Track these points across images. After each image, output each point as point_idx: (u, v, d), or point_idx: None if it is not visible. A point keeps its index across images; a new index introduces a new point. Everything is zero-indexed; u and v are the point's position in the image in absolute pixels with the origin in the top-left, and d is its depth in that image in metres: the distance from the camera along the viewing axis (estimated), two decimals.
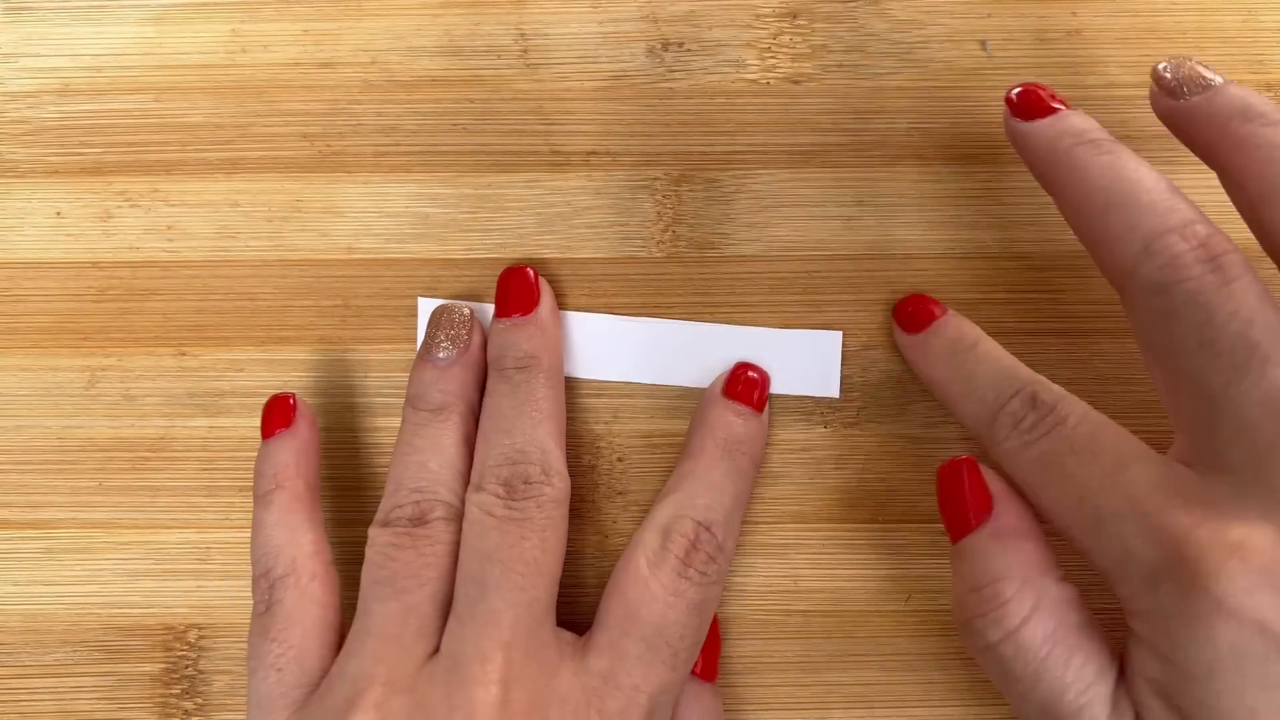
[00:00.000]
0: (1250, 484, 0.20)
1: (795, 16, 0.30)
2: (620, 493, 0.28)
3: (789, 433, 0.29)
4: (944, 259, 0.29)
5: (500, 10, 0.30)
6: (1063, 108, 0.24)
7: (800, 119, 0.29)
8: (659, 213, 0.29)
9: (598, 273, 0.29)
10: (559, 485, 0.26)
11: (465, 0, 0.30)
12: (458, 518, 0.26)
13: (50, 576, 0.29)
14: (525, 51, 0.29)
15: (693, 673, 0.26)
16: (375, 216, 0.29)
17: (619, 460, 0.29)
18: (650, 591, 0.25)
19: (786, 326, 0.29)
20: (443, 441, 0.26)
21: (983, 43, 0.29)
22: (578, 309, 0.29)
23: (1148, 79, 0.29)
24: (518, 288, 0.28)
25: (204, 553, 0.29)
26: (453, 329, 0.28)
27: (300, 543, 0.26)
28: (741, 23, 0.29)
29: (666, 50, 0.29)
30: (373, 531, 0.26)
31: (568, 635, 0.26)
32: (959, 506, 0.24)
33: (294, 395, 0.28)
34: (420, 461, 0.26)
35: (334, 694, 0.24)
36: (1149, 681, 0.21)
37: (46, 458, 0.29)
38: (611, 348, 0.28)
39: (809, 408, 0.29)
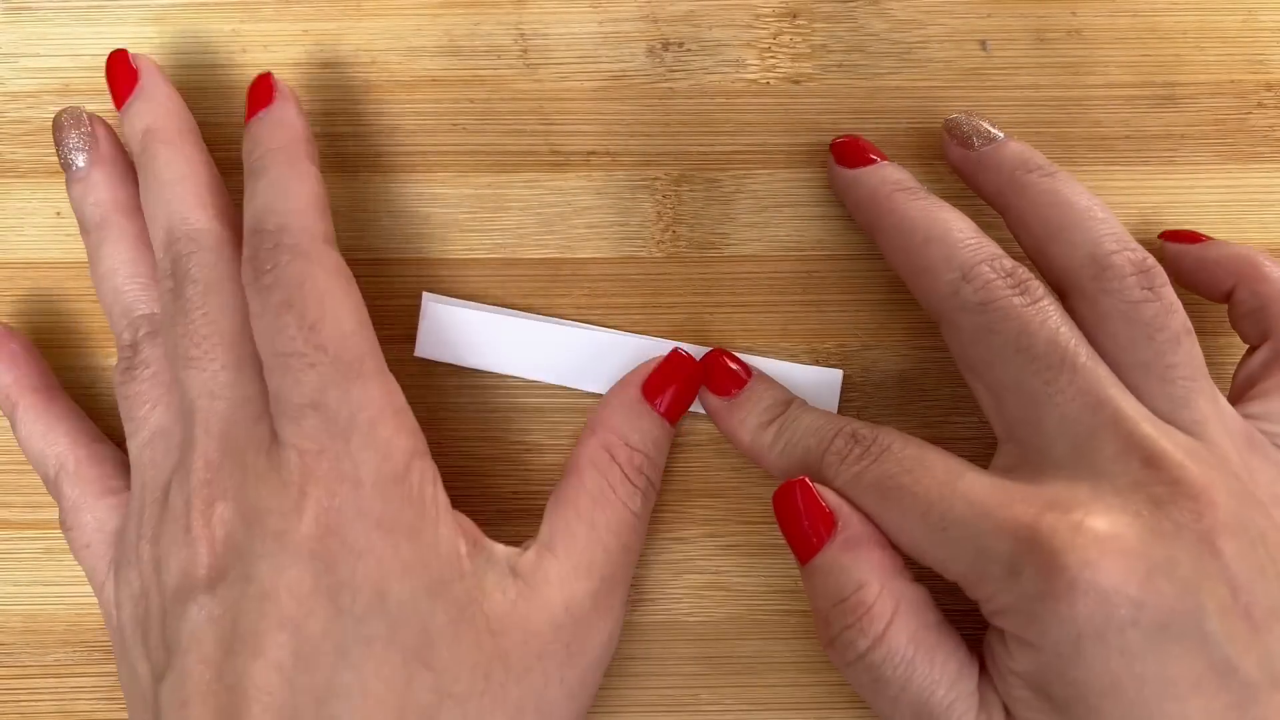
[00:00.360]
0: (1077, 471, 0.22)
1: (795, 16, 0.30)
2: None
3: None
4: None
5: (500, 10, 0.30)
6: (879, 159, 0.27)
7: (800, 119, 0.29)
8: (659, 213, 0.29)
9: (598, 273, 0.29)
10: (206, 243, 0.25)
11: (465, 0, 0.30)
12: None
13: (50, 577, 0.29)
14: (525, 51, 0.30)
15: (650, 402, 0.27)
16: (375, 216, 0.29)
17: None
18: None
19: (786, 326, 0.29)
20: (121, 255, 0.27)
21: (983, 43, 0.29)
22: (577, 309, 0.29)
23: (1148, 79, 0.29)
24: (117, 71, 0.27)
25: None
26: (78, 129, 0.27)
27: (56, 440, 0.27)
28: (741, 23, 0.30)
29: (666, 50, 0.29)
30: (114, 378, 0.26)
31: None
32: (801, 526, 0.24)
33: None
34: (114, 286, 0.26)
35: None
36: (1018, 675, 0.22)
37: None
38: (595, 361, 0.28)
39: None
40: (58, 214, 0.29)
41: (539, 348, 0.28)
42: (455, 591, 0.23)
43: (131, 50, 0.28)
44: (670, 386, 0.27)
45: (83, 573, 0.27)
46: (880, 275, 0.29)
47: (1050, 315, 0.24)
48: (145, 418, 0.25)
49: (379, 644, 0.22)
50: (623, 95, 0.29)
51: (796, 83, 0.29)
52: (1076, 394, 0.23)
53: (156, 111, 0.27)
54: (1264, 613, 0.21)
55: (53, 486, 0.27)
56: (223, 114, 0.30)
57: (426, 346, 0.29)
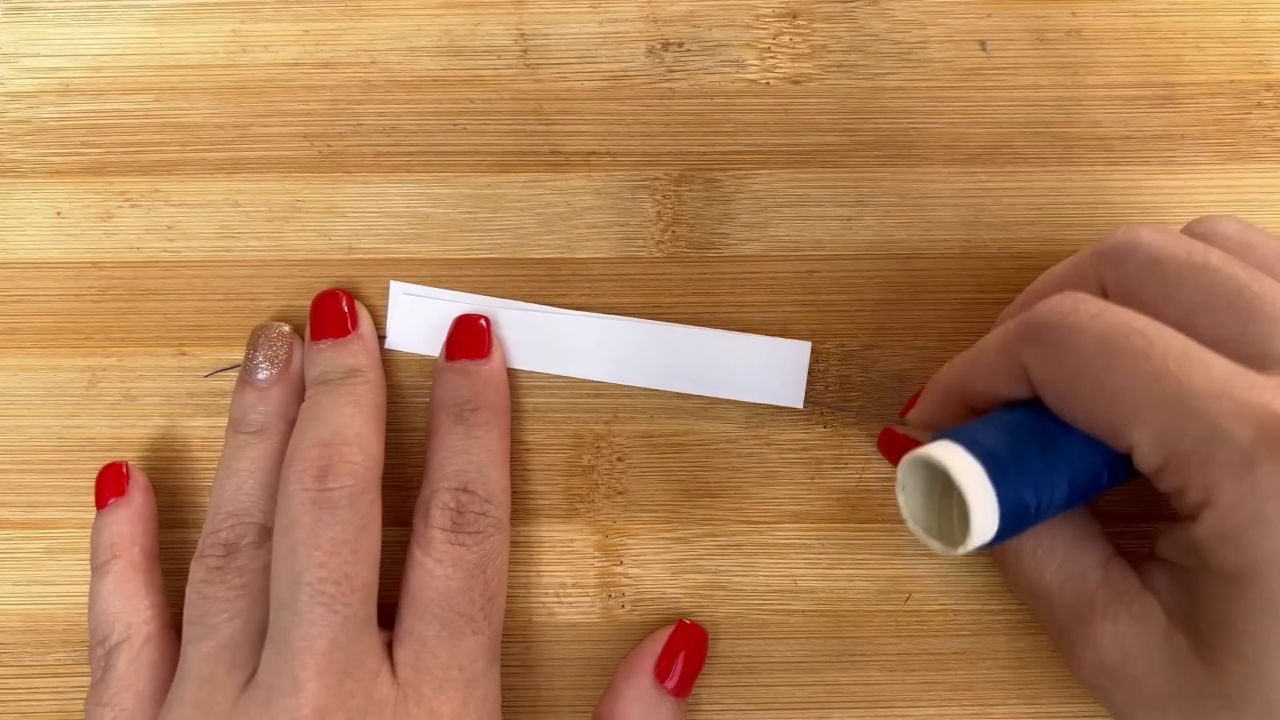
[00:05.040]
0: None
1: (795, 17, 0.30)
2: (620, 492, 0.29)
3: (789, 433, 0.29)
4: (943, 259, 0.29)
5: (500, 10, 0.30)
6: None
7: (800, 119, 0.29)
8: (659, 213, 0.29)
9: (598, 273, 0.29)
10: (367, 471, 0.25)
11: (465, 0, 0.30)
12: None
13: (51, 576, 0.29)
14: (525, 52, 0.30)
15: (663, 686, 0.27)
16: (376, 217, 0.29)
17: (619, 460, 0.29)
18: (427, 570, 0.25)
19: (786, 326, 0.29)
20: (260, 463, 0.27)
21: (982, 43, 0.29)
22: (577, 309, 0.29)
23: (1148, 79, 0.29)
24: (331, 312, 0.28)
25: None
26: (271, 348, 0.28)
27: (136, 609, 0.26)
28: (741, 23, 0.30)
29: (666, 50, 0.29)
30: (190, 568, 0.26)
31: (388, 636, 0.26)
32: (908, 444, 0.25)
33: (126, 464, 0.28)
34: (237, 484, 0.26)
35: None
36: (1192, 589, 0.21)
37: (47, 457, 0.29)
38: (574, 342, 0.28)
39: (808, 408, 0.29)
40: (58, 214, 0.29)
41: (510, 329, 0.28)
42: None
43: (339, 295, 0.28)
44: (678, 662, 0.27)
45: (83, 572, 0.27)
46: (880, 275, 0.29)
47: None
48: (219, 626, 0.25)
49: None
50: (623, 95, 0.29)
51: (796, 83, 0.29)
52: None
53: (373, 362, 0.28)
54: None
55: (104, 651, 0.26)
56: (222, 114, 0.30)
57: (397, 337, 0.29)
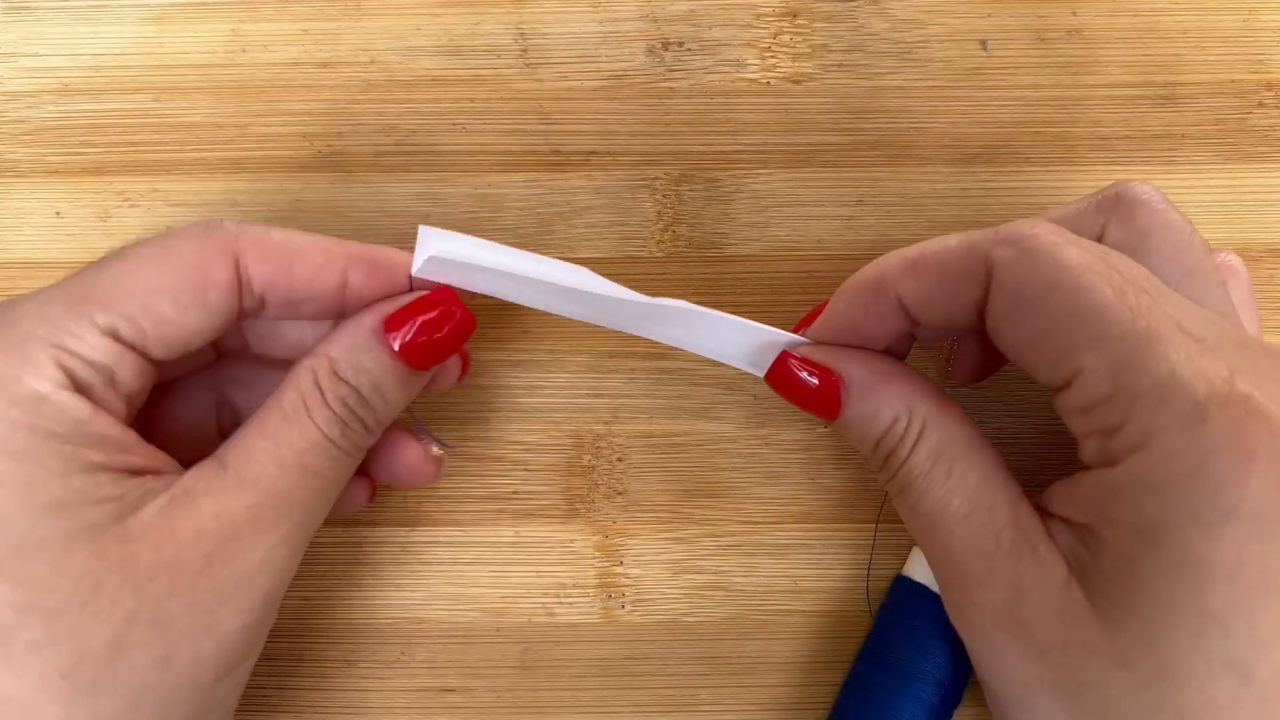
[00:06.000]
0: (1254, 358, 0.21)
1: (795, 16, 0.30)
2: (620, 493, 0.28)
3: (789, 433, 0.29)
4: None
5: (500, 10, 0.29)
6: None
7: (800, 119, 0.29)
8: (659, 212, 0.29)
9: (598, 272, 0.29)
10: None
11: (465, 0, 0.30)
12: None
13: None
14: (525, 51, 0.29)
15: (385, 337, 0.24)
16: (375, 216, 0.29)
17: (619, 460, 0.29)
18: None
19: (786, 326, 0.29)
20: None
21: (983, 42, 0.29)
22: None
23: (1148, 78, 0.29)
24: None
25: None
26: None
27: None
28: (742, 22, 0.29)
29: (666, 50, 0.29)
30: None
31: None
32: (812, 396, 0.24)
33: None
34: None
35: None
36: (1115, 524, 0.20)
37: None
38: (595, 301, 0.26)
39: None
40: (57, 214, 0.29)
41: (541, 275, 0.25)
42: (86, 511, 0.21)
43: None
44: (414, 324, 0.24)
45: None
46: None
47: None
48: None
49: None
50: (623, 95, 0.29)
51: (797, 82, 0.29)
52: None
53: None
54: None
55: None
56: (221, 114, 0.29)
57: (427, 266, 0.24)
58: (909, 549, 0.28)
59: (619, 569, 0.28)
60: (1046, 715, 0.21)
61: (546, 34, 0.29)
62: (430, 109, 0.29)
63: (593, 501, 0.29)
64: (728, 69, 0.29)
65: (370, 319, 0.24)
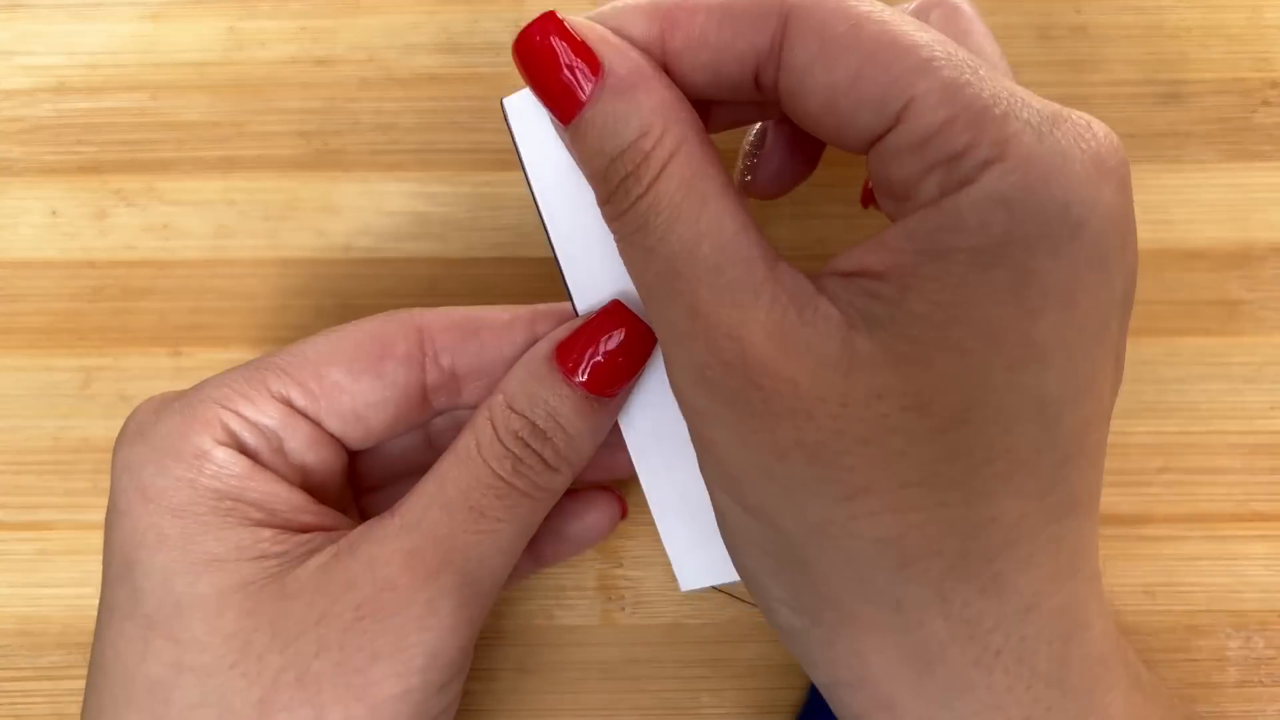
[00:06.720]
0: None
1: None
2: (625, 512, 0.28)
3: None
4: None
5: (498, 6, 0.29)
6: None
7: None
8: None
9: None
10: None
11: None
12: None
13: (45, 578, 0.28)
14: None
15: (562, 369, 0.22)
16: (373, 215, 0.29)
17: None
18: None
19: None
20: None
21: None
22: None
23: (1152, 76, 0.29)
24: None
25: None
26: None
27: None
28: None
29: None
30: None
31: None
32: (559, 78, 0.19)
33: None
34: None
35: None
36: (964, 251, 0.17)
37: (41, 458, 0.29)
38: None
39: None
40: (53, 212, 0.29)
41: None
42: (241, 567, 0.20)
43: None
44: (590, 345, 0.22)
45: (78, 574, 0.27)
46: None
47: None
48: None
49: (118, 614, 0.21)
50: None
51: None
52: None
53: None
54: None
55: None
56: (218, 112, 0.29)
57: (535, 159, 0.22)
58: None
59: (618, 571, 0.28)
60: (801, 484, 0.18)
61: None
62: (428, 106, 0.29)
63: None
64: None
65: (543, 346, 0.22)
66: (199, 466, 0.21)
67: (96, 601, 0.28)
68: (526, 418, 0.22)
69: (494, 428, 0.22)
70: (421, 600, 0.20)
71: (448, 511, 0.21)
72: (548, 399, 0.22)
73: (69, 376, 0.29)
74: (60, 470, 0.29)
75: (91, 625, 0.28)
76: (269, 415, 0.22)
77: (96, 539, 0.28)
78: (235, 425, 0.22)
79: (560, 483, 0.23)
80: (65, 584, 0.28)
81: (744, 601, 0.28)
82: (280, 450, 0.22)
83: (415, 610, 0.20)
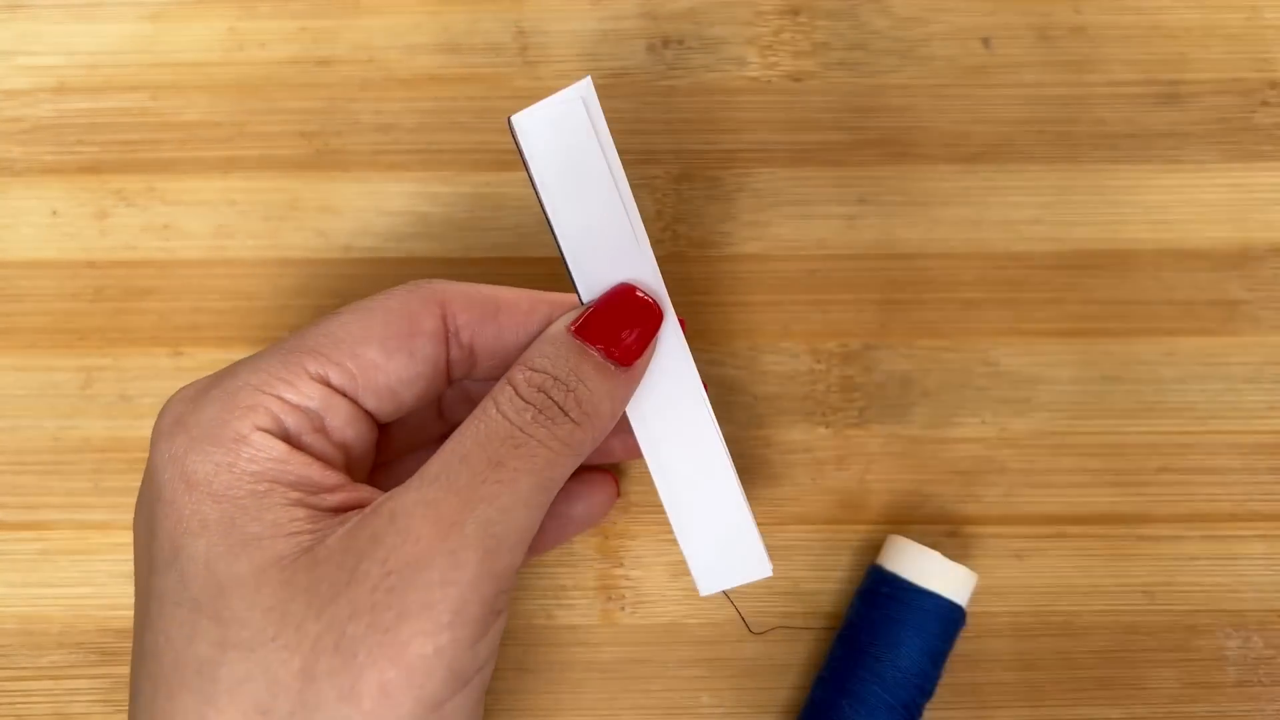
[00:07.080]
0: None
1: (797, 13, 0.29)
2: (619, 494, 0.28)
3: (790, 433, 0.28)
4: (946, 258, 0.29)
5: (499, 7, 0.29)
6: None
7: (802, 116, 0.29)
8: (659, 211, 0.29)
9: None
10: None
11: None
12: None
13: (46, 578, 0.29)
14: (524, 49, 0.29)
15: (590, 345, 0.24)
16: (373, 215, 0.29)
17: (618, 461, 0.28)
18: None
19: (788, 326, 0.29)
20: None
21: (985, 40, 0.29)
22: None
23: (1151, 76, 0.29)
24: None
25: None
26: None
27: None
28: (742, 19, 0.29)
29: (667, 47, 0.29)
30: None
31: None
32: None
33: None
34: None
35: None
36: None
37: (42, 458, 0.29)
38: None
39: (810, 408, 0.28)
40: (54, 213, 0.29)
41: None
42: (276, 544, 0.21)
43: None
44: (606, 317, 0.23)
45: (78, 574, 0.27)
46: (883, 274, 0.29)
47: None
48: None
49: (169, 600, 0.21)
50: (623, 93, 0.29)
51: (798, 80, 0.29)
52: None
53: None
54: None
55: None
56: (218, 112, 0.29)
57: (547, 174, 0.23)
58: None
59: (619, 571, 0.28)
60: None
61: (546, 31, 0.29)
62: (429, 106, 0.29)
63: None
64: (728, 67, 0.29)
65: (562, 322, 0.23)
66: (237, 450, 0.21)
67: (96, 601, 0.28)
68: (548, 373, 0.22)
69: (514, 388, 0.22)
70: (445, 550, 0.20)
71: (466, 464, 0.21)
72: (568, 356, 0.23)
73: (69, 376, 0.29)
74: (61, 470, 0.29)
75: (92, 625, 0.28)
76: (310, 397, 0.22)
77: (97, 539, 0.29)
78: (276, 408, 0.22)
79: (578, 439, 0.23)
80: (66, 584, 0.28)
81: (741, 616, 0.28)
82: (321, 429, 0.23)
83: (440, 561, 0.20)
